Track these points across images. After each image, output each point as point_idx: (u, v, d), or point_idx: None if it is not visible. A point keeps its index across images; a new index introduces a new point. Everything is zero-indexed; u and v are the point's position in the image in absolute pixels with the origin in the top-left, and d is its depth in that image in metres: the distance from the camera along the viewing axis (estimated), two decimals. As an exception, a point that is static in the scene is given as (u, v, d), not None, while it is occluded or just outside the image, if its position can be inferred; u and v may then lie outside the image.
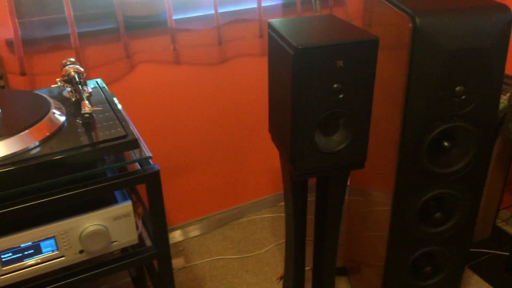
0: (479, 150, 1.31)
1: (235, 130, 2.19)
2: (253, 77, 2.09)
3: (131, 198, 1.35)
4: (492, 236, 2.20)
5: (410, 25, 1.16)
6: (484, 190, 2.02)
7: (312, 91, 1.14)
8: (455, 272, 1.53)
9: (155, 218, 1.19)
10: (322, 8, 2.07)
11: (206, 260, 2.15)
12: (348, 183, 1.81)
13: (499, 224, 2.30)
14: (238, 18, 1.91)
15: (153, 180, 1.14)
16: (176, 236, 2.28)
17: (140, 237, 1.31)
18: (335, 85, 1.15)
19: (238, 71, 2.04)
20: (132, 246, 1.25)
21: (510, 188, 2.24)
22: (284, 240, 2.20)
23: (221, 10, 1.84)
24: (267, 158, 2.34)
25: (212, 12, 1.81)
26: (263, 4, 1.96)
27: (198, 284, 2.01)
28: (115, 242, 1.18)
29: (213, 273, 2.07)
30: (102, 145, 1.08)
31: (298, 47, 1.09)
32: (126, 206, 1.15)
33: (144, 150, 1.17)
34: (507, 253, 1.97)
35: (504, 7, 1.17)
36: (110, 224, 1.15)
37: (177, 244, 2.26)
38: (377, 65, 1.39)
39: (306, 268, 1.94)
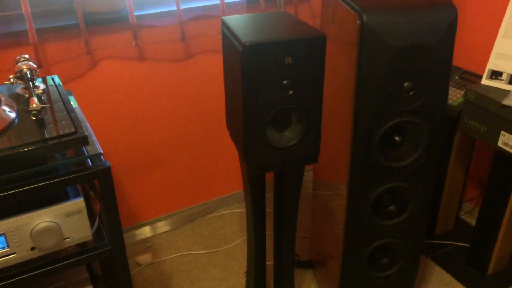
0: (429, 144, 1.34)
1: (202, 126, 2.20)
2: (218, 73, 2.10)
3: (89, 195, 1.35)
4: (456, 228, 2.25)
5: (358, 22, 1.18)
6: (446, 183, 2.07)
7: (262, 87, 1.16)
8: (411, 263, 1.57)
9: (108, 214, 1.19)
10: (287, 5, 2.09)
11: (174, 255, 2.16)
12: (312, 177, 1.84)
13: (463, 217, 2.35)
14: (201, 15, 1.91)
15: (104, 176, 1.14)
16: (145, 232, 2.28)
17: (99, 233, 1.32)
18: (284, 81, 1.17)
19: (203, 67, 2.05)
20: (89, 242, 1.26)
21: (472, 181, 2.29)
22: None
23: (183, 6, 1.84)
24: (236, 153, 2.36)
25: (175, 8, 1.81)
26: (228, 0, 1.96)
27: (165, 280, 2.02)
28: (68, 239, 1.18)
29: (181, 268, 2.08)
30: (51, 142, 1.08)
31: (246, 43, 1.10)
32: (77, 203, 1.15)
33: (96, 146, 1.18)
34: (469, 245, 2.02)
35: (450, 4, 1.20)
36: (62, 221, 1.15)
37: (146, 240, 2.27)
38: (331, 61, 1.41)
39: (269, 263, 1.97)
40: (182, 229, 2.34)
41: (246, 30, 1.19)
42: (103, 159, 1.16)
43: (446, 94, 1.29)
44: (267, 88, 1.16)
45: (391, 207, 1.45)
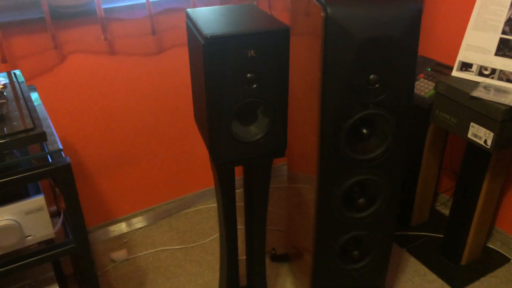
0: (397, 136, 1.34)
1: (178, 120, 2.17)
2: (192, 67, 2.07)
3: (54, 192, 1.33)
4: (431, 219, 2.27)
5: (322, 14, 1.17)
6: (420, 175, 2.08)
7: (225, 81, 1.14)
8: (383, 255, 1.58)
9: (70, 211, 1.17)
10: (260, -3, 2.07)
11: (150, 251, 2.14)
12: (287, 170, 1.83)
13: (438, 208, 2.37)
14: (172, 7, 1.88)
15: (64, 173, 1.12)
16: (121, 228, 2.26)
17: (66, 231, 1.30)
18: (248, 75, 1.15)
19: (176, 61, 2.02)
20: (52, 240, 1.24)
21: (447, 172, 2.31)
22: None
23: (153, -1, 1.81)
24: (212, 148, 2.34)
25: (144, 1, 1.78)
26: (200, -8, 1.94)
27: (140, 276, 2.00)
28: (30, 237, 1.16)
29: (156, 264, 2.07)
30: (7, 138, 1.05)
31: (207, 36, 1.08)
32: (38, 200, 1.13)
33: (56, 142, 1.15)
34: (443, 236, 2.04)
35: (414, -4, 1.20)
36: (22, 219, 1.13)
37: (121, 236, 2.25)
38: (300, 54, 1.40)
39: (242, 258, 1.97)
40: (159, 224, 2.32)
41: (209, 22, 1.17)
42: (63, 156, 1.14)
43: (413, 86, 1.29)
44: (230, 82, 1.15)
45: (361, 200, 1.45)
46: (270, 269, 2.02)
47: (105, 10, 1.73)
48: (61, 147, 1.13)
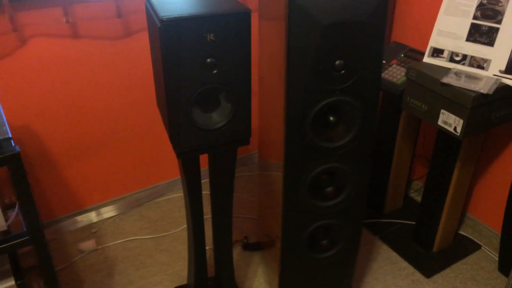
0: (364, 124, 1.31)
1: (147, 107, 2.11)
2: (161, 52, 2.01)
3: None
4: (404, 207, 2.26)
5: (285, -4, 1.12)
6: (393, 162, 2.06)
7: (184, 66, 1.09)
8: (352, 244, 1.56)
9: (22, 203, 1.12)
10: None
11: (119, 241, 2.10)
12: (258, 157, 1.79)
13: (412, 195, 2.37)
14: (138, -11, 1.82)
15: (13, 162, 1.06)
16: (90, 217, 2.20)
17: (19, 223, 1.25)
18: (208, 60, 1.10)
19: (144, 45, 1.96)
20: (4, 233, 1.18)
21: (420, 159, 2.30)
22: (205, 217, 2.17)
23: (117, -20, 1.74)
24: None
25: (108, -18, 1.71)
26: (168, -26, 1.87)
27: (109, 266, 1.96)
28: (-21, 230, 1.11)
29: (126, 254, 2.03)
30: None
31: (163, 18, 1.03)
32: (-14, 191, 1.07)
33: (6, 131, 1.09)
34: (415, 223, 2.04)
35: (380, -21, 1.15)
36: (-31, 211, 1.07)
37: (90, 226, 2.19)
38: (268, 38, 1.35)
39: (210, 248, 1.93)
40: (129, 213, 2.28)
41: (167, 4, 1.11)
42: (13, 144, 1.08)
43: (379, 72, 1.26)
44: (189, 67, 1.10)
45: (329, 189, 1.42)
46: (242, 258, 1.99)
47: (66, -9, 1.65)
48: (10, 135, 1.07)
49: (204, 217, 1.52)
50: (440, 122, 1.57)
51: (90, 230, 2.16)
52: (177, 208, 2.31)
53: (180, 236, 2.13)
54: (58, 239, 2.11)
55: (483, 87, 1.45)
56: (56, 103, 1.88)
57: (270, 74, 1.38)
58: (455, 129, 1.52)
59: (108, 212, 2.25)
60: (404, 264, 1.95)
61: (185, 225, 2.18)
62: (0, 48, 1.66)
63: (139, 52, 1.96)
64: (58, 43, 1.77)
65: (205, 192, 2.28)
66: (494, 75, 1.51)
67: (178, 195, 2.40)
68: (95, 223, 2.21)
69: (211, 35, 1.07)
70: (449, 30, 1.58)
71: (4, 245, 1.14)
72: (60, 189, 2.07)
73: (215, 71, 1.12)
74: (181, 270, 1.94)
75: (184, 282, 1.85)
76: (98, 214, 2.22)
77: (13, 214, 1.22)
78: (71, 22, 1.74)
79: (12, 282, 1.26)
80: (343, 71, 1.21)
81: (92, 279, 1.89)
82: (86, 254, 2.02)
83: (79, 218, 2.17)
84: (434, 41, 1.62)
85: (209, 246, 1.94)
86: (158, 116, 2.16)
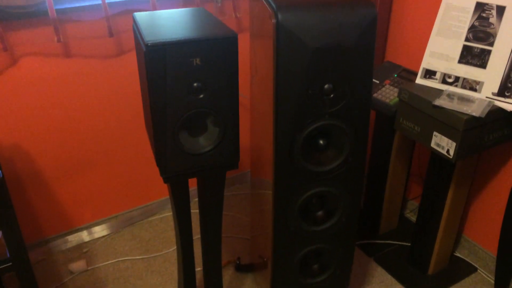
0: (355, 148, 1.29)
1: (139, 125, 2.10)
2: (153, 71, 2.00)
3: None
4: (399, 227, 2.23)
5: (273, 20, 1.11)
6: (387, 182, 2.04)
7: (170, 90, 1.08)
8: (343, 268, 1.53)
9: (5, 227, 1.10)
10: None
11: (110, 261, 2.07)
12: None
13: (408, 215, 2.34)
14: (130, 9, 1.81)
15: (-6, 188, 1.04)
16: (81, 237, 2.17)
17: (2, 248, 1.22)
18: (194, 84, 1.09)
19: (136, 64, 1.95)
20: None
21: (415, 179, 2.28)
22: (196, 237, 2.14)
23: (109, 0, 1.74)
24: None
25: (100, 2, 1.70)
26: (162, -6, 1.87)
27: (99, 288, 1.93)
28: (-41, 256, 1.08)
29: (116, 275, 1.99)
30: None
31: (148, 43, 1.02)
32: (-34, 217, 1.05)
33: (-12, 155, 1.08)
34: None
35: (369, 3, 1.15)
36: (-51, 237, 1.05)
37: (81, 245, 2.16)
38: (259, 60, 1.34)
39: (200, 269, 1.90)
40: (122, 232, 2.25)
41: (153, 28, 1.10)
42: (-5, 169, 1.06)
43: (369, 96, 1.24)
44: (175, 91, 1.09)
45: (319, 213, 1.40)
46: (235, 279, 1.96)
47: (58, 11, 1.65)
48: (-9, 160, 1.05)
49: (194, 237, 1.49)
50: (433, 144, 1.55)
51: (81, 250, 2.13)
52: (169, 227, 2.28)
53: (172, 257, 2.09)
54: (49, 259, 2.07)
55: (475, 110, 1.43)
56: (47, 122, 1.86)
57: (260, 95, 1.37)
58: (447, 151, 1.50)
59: (100, 231, 2.22)
60: (399, 287, 1.92)
61: (177, 245, 2.15)
62: (-10, 68, 1.66)
63: (131, 72, 1.95)
64: (50, 62, 1.76)
65: (196, 210, 2.25)
66: (487, 97, 1.50)
67: (171, 214, 2.37)
68: (86, 242, 2.18)
69: (197, 59, 1.06)
70: (441, 52, 1.58)
71: (-16, 272, 1.11)
72: (51, 208, 2.04)
73: (201, 96, 1.11)
74: (171, 292, 1.90)
75: (175, 305, 1.82)
76: (90, 234, 2.19)
77: (-4, 239, 1.20)
78: (63, 41, 1.73)
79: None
80: (332, 95, 1.20)
81: (81, 301, 1.86)
82: (77, 275, 1.99)
83: (70, 237, 2.14)
84: (426, 62, 1.61)
85: (199, 267, 1.91)
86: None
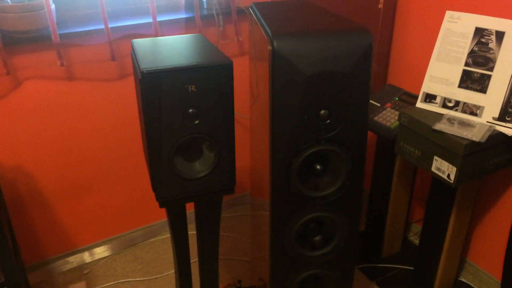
0: (352, 173, 1.28)
1: (140, 147, 2.11)
2: (156, 93, 2.01)
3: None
4: (402, 250, 2.20)
5: (269, 47, 1.12)
6: (390, 205, 2.02)
7: (165, 116, 1.09)
8: (343, 294, 1.51)
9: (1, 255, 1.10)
10: (226, 23, 2.03)
11: (111, 283, 2.06)
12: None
13: (411, 238, 2.31)
14: (132, 33, 1.84)
15: (-10, 213, 1.05)
16: (82, 258, 2.17)
17: None
18: (190, 110, 1.10)
19: (139, 87, 1.97)
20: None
21: (418, 201, 2.25)
22: (196, 259, 2.13)
23: (113, 24, 1.76)
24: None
25: (103, 26, 1.73)
26: (165, 18, 1.90)
27: (98, 310, 1.92)
28: (-46, 281, 1.09)
29: (116, 297, 1.98)
30: None
31: (143, 70, 1.03)
32: (-38, 242, 1.06)
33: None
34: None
35: (364, 30, 1.15)
36: None
37: (82, 266, 2.16)
38: (258, 84, 1.35)
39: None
40: (123, 253, 2.24)
41: (149, 55, 1.12)
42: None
43: (366, 122, 1.24)
44: (171, 117, 1.09)
45: (317, 238, 1.38)
46: (234, 303, 1.94)
47: (61, 35, 1.68)
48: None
49: (192, 260, 1.48)
50: (433, 169, 1.54)
51: (82, 271, 2.13)
52: (171, 249, 2.26)
53: (173, 279, 2.08)
54: (48, 281, 2.07)
55: (475, 135, 1.42)
56: (49, 144, 1.88)
57: (258, 118, 1.37)
58: (448, 176, 1.49)
59: (101, 252, 2.21)
60: (402, 312, 1.88)
61: (178, 267, 2.14)
62: (-6, 91, 1.68)
63: (133, 95, 1.97)
64: (53, 86, 1.79)
65: (193, 232, 2.25)
66: (487, 122, 1.49)
67: (172, 235, 2.36)
68: (87, 263, 2.18)
69: (192, 86, 1.07)
70: (441, 76, 1.57)
71: (-21, 297, 1.11)
72: (53, 229, 2.05)
73: (197, 121, 1.11)
74: (171, 315, 1.89)
75: (173, 329, 1.80)
76: (91, 255, 2.19)
77: (-8, 263, 1.20)
78: (66, 65, 1.76)
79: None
80: (328, 121, 1.20)
81: (80, 324, 1.85)
82: (76, 297, 1.98)
83: (71, 258, 2.14)
84: (427, 86, 1.61)
85: (199, 291, 1.89)
86: (153, 156, 2.15)
